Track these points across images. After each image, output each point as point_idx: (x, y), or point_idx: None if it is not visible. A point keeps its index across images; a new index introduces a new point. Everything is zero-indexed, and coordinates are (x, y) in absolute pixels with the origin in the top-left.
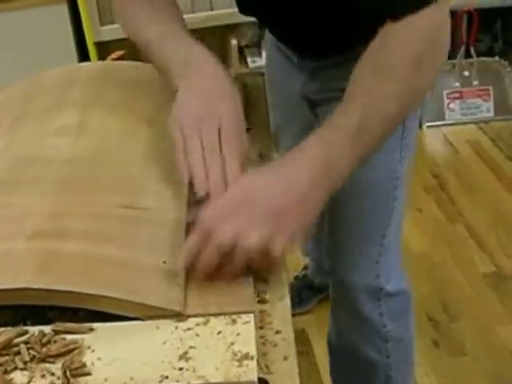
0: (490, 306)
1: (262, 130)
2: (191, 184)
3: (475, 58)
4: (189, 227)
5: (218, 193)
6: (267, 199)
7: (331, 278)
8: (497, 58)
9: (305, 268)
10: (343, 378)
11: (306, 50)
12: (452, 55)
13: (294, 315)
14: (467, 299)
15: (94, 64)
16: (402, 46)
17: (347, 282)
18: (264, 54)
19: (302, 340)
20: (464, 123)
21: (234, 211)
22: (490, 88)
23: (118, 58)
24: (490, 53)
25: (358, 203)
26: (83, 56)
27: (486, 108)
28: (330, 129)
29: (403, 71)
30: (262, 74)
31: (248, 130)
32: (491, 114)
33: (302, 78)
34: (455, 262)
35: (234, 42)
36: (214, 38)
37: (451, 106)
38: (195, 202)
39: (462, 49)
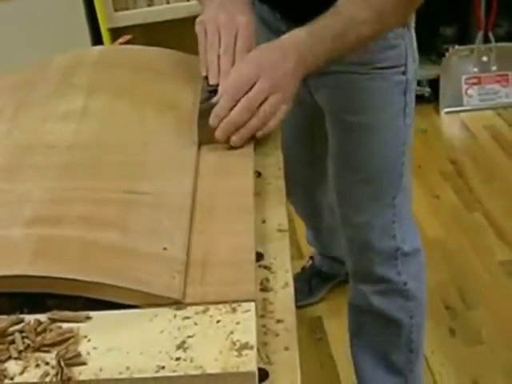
0: (508, 294)
1: None
2: (207, 78)
3: (494, 43)
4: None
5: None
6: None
7: (346, 244)
8: None
9: (311, 258)
10: (363, 339)
11: (294, 13)
12: (470, 40)
13: (305, 305)
14: (484, 287)
15: (100, 48)
16: None
17: (364, 244)
18: None
19: (318, 328)
20: (482, 109)
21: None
22: (509, 73)
23: (126, 43)
24: (508, 38)
25: (369, 172)
26: (97, 42)
27: (504, 94)
28: (318, 24)
29: (386, 13)
30: None
31: None
32: (510, 100)
33: None
34: (472, 250)
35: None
36: None
37: (469, 91)
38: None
39: (481, 34)
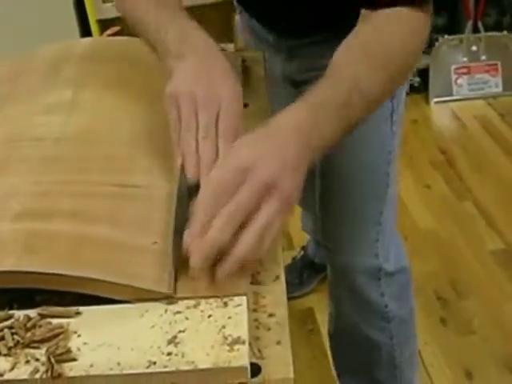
0: (499, 283)
1: (260, 105)
2: (183, 167)
3: (483, 33)
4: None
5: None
6: (266, 169)
7: (328, 262)
8: (505, 32)
9: (303, 249)
10: (346, 360)
11: (283, 29)
12: (459, 30)
13: (296, 297)
14: (476, 277)
15: (88, 40)
16: (394, 37)
17: (346, 263)
18: None
19: (309, 319)
20: (472, 99)
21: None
22: (498, 63)
23: (114, 34)
24: (497, 27)
25: (352, 181)
26: (85, 34)
27: (494, 83)
28: (317, 98)
29: (392, 62)
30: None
31: (245, 105)
32: (499, 90)
33: (280, 58)
34: (463, 239)
35: (237, 17)
36: (216, 13)
37: (459, 81)
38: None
39: (470, 23)
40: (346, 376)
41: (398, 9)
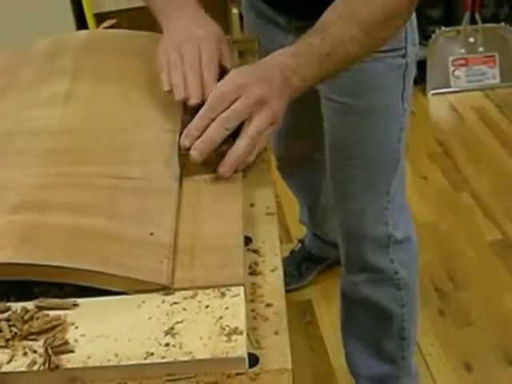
0: (497, 274)
1: None
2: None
3: (480, 24)
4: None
5: (195, 96)
6: (258, 88)
7: (339, 231)
8: (502, 23)
9: (300, 241)
10: (354, 328)
11: (294, 11)
12: (457, 21)
13: (295, 289)
14: (473, 268)
15: (84, 32)
16: (382, 3)
17: (356, 231)
18: None
19: (308, 311)
20: (469, 90)
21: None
22: (496, 54)
23: (111, 27)
24: (495, 19)
25: (365, 157)
26: (82, 27)
27: (491, 75)
28: (303, 45)
29: (375, 27)
30: (258, 41)
31: None
32: (497, 81)
33: (290, 39)
34: (461, 231)
35: (234, 10)
36: (215, 6)
37: (456, 72)
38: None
39: (467, 15)
40: (353, 344)
41: None
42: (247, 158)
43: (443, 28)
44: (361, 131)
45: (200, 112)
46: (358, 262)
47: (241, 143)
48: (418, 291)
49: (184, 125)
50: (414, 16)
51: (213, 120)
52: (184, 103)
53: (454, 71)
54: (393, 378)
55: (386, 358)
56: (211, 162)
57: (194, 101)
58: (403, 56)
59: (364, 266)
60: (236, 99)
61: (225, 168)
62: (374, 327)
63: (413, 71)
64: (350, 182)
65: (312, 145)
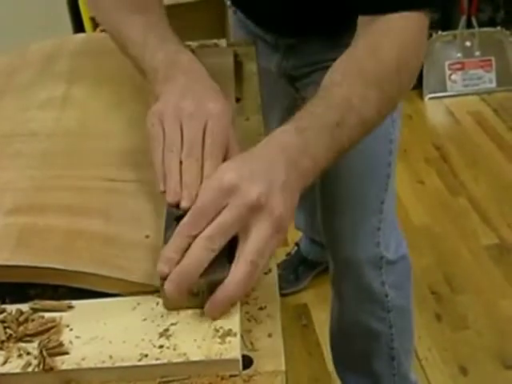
0: (493, 278)
1: (252, 100)
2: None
3: (477, 29)
4: None
5: (188, 199)
6: (252, 190)
7: (329, 252)
8: (499, 28)
9: (296, 244)
10: (345, 353)
11: (282, 30)
12: (453, 25)
13: (292, 293)
14: (470, 272)
15: (81, 36)
16: (391, 52)
17: (347, 253)
18: None
19: (303, 315)
20: (466, 94)
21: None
22: (492, 58)
23: None
24: (491, 23)
25: (354, 170)
26: (79, 31)
27: (488, 79)
28: (308, 116)
29: (387, 81)
30: (255, 43)
31: (238, 100)
32: (493, 85)
33: (277, 56)
34: (458, 235)
35: (230, 14)
36: (209, 8)
37: (453, 77)
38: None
39: (464, 19)
40: (345, 369)
41: (395, 16)
42: (245, 289)
43: (440, 32)
44: None
45: (178, 228)
46: (349, 283)
47: (237, 272)
48: (411, 308)
49: (168, 218)
50: None
51: (194, 238)
52: None
53: (450, 75)
54: None
55: (377, 377)
56: (199, 292)
57: (185, 204)
58: None
59: (354, 287)
60: (224, 207)
61: (213, 307)
62: (363, 349)
63: None
64: (341, 199)
65: None
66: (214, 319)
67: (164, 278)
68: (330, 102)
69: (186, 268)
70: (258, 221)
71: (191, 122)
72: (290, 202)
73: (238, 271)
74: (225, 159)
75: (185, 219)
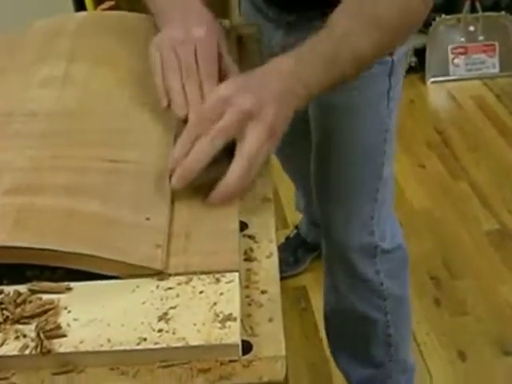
0: (493, 264)
1: None
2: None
3: (481, 13)
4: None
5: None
6: (247, 99)
7: (323, 240)
8: (503, 12)
9: (296, 228)
10: (341, 338)
11: (285, 4)
12: (457, 9)
13: (291, 276)
14: (470, 257)
15: (82, 14)
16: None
17: (341, 240)
18: None
19: (302, 298)
20: (468, 79)
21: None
22: (496, 43)
23: (109, 9)
24: (495, 7)
25: (348, 158)
26: (80, 9)
27: (491, 64)
28: (305, 49)
29: (386, 23)
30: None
31: None
32: (496, 70)
33: (280, 32)
34: (458, 220)
35: None
36: None
37: (456, 61)
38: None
39: (468, 3)
40: (341, 354)
41: None
42: (243, 183)
43: (443, 16)
44: (342, 130)
45: (184, 132)
46: (343, 272)
47: (234, 167)
48: (408, 295)
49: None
50: None
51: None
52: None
53: (453, 59)
54: (385, 377)
55: (374, 363)
56: (203, 188)
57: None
58: (390, 54)
59: (349, 276)
60: (223, 114)
61: (216, 196)
62: (360, 335)
63: (400, 70)
64: (335, 186)
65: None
66: (215, 205)
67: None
68: (328, 37)
69: (189, 163)
70: (253, 126)
71: (183, 47)
72: (283, 112)
73: (234, 166)
74: (223, 79)
75: (189, 123)
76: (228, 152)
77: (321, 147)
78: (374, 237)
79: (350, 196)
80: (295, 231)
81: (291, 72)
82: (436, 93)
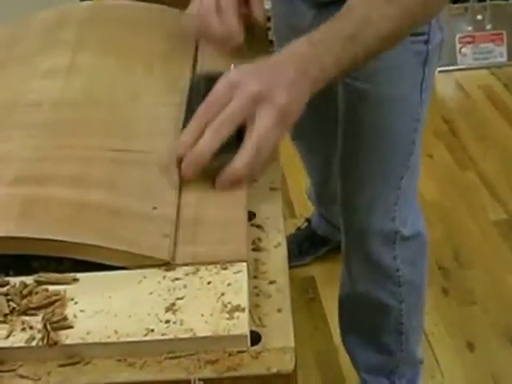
0: (501, 254)
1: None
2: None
3: (488, 2)
4: None
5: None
6: (255, 82)
7: (342, 224)
8: (511, 1)
9: (307, 221)
10: (353, 321)
11: None
12: None
13: (296, 266)
14: (478, 247)
15: (87, 4)
16: None
17: (362, 225)
18: None
19: (310, 288)
20: (476, 68)
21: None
22: (504, 32)
23: None
24: None
25: (377, 145)
26: None
27: (498, 53)
28: (323, 30)
29: (409, 3)
30: (268, 18)
31: None
32: (504, 59)
33: (311, 13)
34: (466, 209)
35: None
36: None
37: (463, 50)
38: None
39: None
40: (351, 337)
41: None
42: (252, 170)
43: (451, 5)
44: (374, 118)
45: (193, 118)
46: (361, 256)
47: (243, 152)
48: (423, 284)
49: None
50: None
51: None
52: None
53: (460, 48)
54: (392, 367)
55: (384, 350)
56: (212, 172)
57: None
58: (425, 42)
59: (366, 261)
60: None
61: (223, 182)
62: (372, 320)
63: (435, 59)
64: (360, 172)
65: (326, 141)
66: (222, 192)
67: (181, 161)
68: (348, 17)
69: (199, 149)
70: (262, 111)
71: None
72: (296, 97)
73: (242, 151)
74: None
75: (199, 109)
76: (240, 138)
77: (349, 134)
78: (394, 223)
79: (376, 183)
80: (306, 224)
81: (304, 55)
82: (444, 82)
